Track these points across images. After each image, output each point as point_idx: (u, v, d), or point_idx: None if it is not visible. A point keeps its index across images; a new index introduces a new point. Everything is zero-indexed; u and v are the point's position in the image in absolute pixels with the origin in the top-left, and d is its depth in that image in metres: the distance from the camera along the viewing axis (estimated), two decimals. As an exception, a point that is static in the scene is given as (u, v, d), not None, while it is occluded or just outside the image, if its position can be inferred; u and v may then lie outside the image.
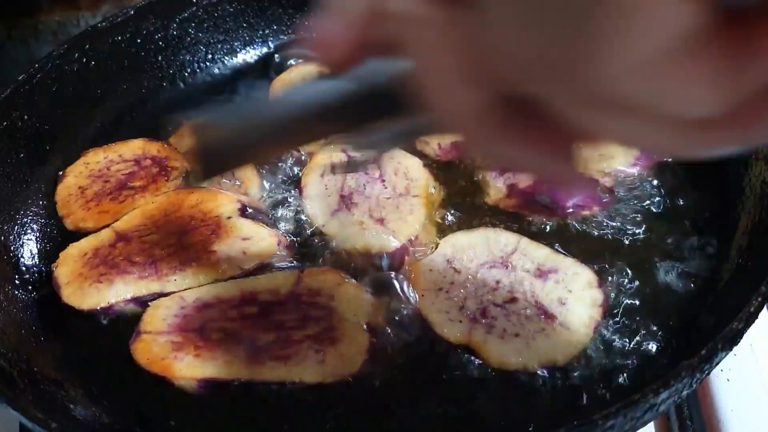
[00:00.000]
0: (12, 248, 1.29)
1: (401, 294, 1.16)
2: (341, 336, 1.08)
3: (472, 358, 1.07)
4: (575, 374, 1.05)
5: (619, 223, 1.25)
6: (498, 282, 1.14)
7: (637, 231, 1.24)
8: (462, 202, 1.30)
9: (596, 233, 1.24)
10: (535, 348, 1.05)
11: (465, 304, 1.12)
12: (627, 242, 1.22)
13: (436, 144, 1.38)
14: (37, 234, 1.34)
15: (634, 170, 1.31)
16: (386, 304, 1.14)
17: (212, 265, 1.19)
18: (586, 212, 1.24)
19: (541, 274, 1.15)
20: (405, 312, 1.13)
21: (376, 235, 1.22)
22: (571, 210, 1.24)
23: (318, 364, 1.05)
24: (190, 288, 1.17)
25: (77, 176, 1.40)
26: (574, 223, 1.24)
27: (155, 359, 1.07)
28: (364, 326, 1.09)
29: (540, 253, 1.18)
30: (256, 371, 1.05)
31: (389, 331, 1.11)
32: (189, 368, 1.05)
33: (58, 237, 1.34)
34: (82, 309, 1.17)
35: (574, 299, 1.12)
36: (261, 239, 1.22)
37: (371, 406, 1.04)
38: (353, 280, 1.16)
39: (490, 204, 1.29)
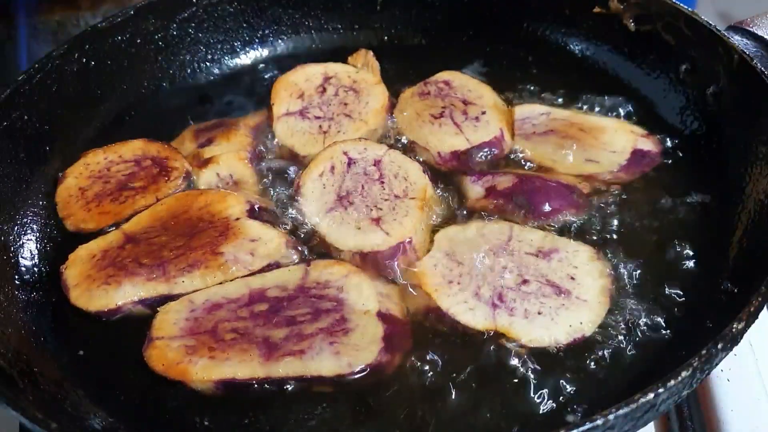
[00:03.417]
0: (12, 248, 1.29)
1: (413, 289, 1.17)
2: (354, 327, 1.09)
3: (502, 342, 1.09)
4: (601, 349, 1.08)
5: (606, 223, 1.26)
6: (504, 267, 1.16)
7: (632, 232, 1.25)
8: (443, 206, 1.31)
9: (586, 234, 1.25)
10: (561, 322, 1.09)
11: (479, 292, 1.13)
12: (618, 242, 1.23)
13: (436, 152, 1.39)
14: (37, 234, 1.34)
15: (621, 175, 1.33)
16: (397, 296, 1.16)
17: (220, 267, 1.19)
18: (561, 215, 1.26)
19: (543, 255, 1.18)
20: (423, 305, 1.14)
21: (370, 235, 1.22)
22: (547, 212, 1.26)
23: (334, 356, 1.05)
24: (197, 290, 1.17)
25: (77, 177, 1.40)
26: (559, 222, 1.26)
27: (171, 364, 1.07)
28: (376, 316, 1.10)
29: (535, 236, 1.21)
30: (273, 368, 1.05)
31: (409, 323, 1.13)
32: (205, 370, 1.05)
33: (59, 237, 1.34)
34: (89, 311, 1.17)
35: (582, 273, 1.15)
36: (269, 240, 1.22)
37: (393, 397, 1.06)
38: (360, 271, 1.17)
39: (469, 206, 1.30)
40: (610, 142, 1.38)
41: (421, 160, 1.39)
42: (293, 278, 1.16)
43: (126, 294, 1.17)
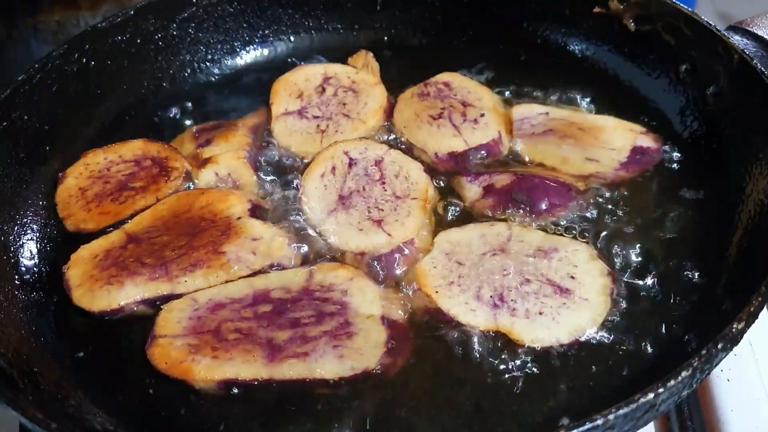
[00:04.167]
0: (12, 248, 1.29)
1: (414, 292, 1.17)
2: (357, 330, 1.09)
3: (503, 343, 1.09)
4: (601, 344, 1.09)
5: (606, 223, 1.26)
6: (505, 268, 1.16)
7: (632, 231, 1.25)
8: (442, 207, 1.31)
9: (586, 234, 1.25)
10: (562, 322, 1.09)
11: (480, 292, 1.14)
12: (617, 242, 1.23)
13: (433, 154, 1.39)
14: (37, 234, 1.34)
15: (621, 173, 1.33)
16: (400, 300, 1.16)
17: (222, 266, 1.19)
18: (561, 211, 1.26)
19: (543, 254, 1.18)
20: (425, 308, 1.14)
21: (372, 235, 1.22)
22: (547, 209, 1.26)
23: (337, 360, 1.05)
24: (200, 289, 1.17)
25: (77, 177, 1.40)
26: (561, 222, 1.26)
27: (174, 363, 1.07)
28: (380, 320, 1.10)
29: (534, 236, 1.21)
30: (276, 370, 1.05)
31: (410, 326, 1.13)
32: (208, 370, 1.05)
33: (59, 237, 1.34)
34: (92, 311, 1.17)
35: (583, 272, 1.15)
36: (271, 239, 1.22)
37: (397, 399, 1.06)
38: (365, 275, 1.17)
39: (468, 207, 1.30)
40: (609, 141, 1.38)
41: (420, 159, 1.39)
42: (297, 280, 1.16)
43: (128, 294, 1.17)
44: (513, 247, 1.19)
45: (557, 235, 1.22)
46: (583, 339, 1.09)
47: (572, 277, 1.14)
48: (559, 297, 1.12)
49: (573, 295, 1.12)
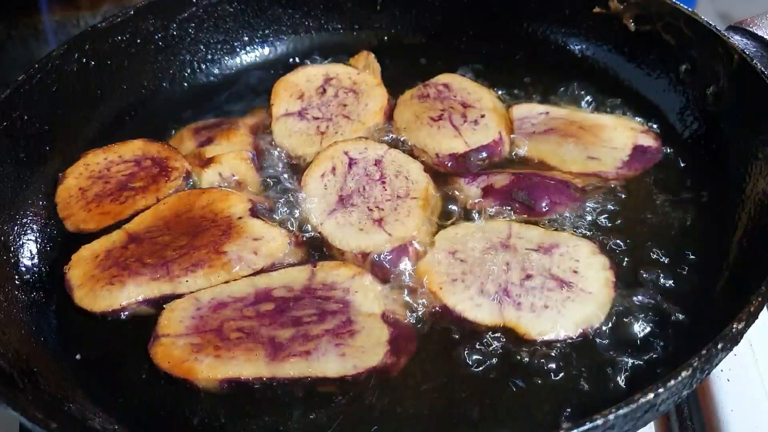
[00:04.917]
0: (12, 248, 1.29)
1: (416, 291, 1.17)
2: (360, 328, 1.09)
3: (506, 340, 1.09)
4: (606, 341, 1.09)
5: (607, 222, 1.26)
6: (507, 264, 1.17)
7: (632, 231, 1.25)
8: (442, 206, 1.32)
9: (587, 232, 1.25)
10: (568, 315, 1.10)
11: (484, 288, 1.14)
12: (618, 241, 1.23)
13: (434, 155, 1.39)
14: (37, 234, 1.34)
15: (624, 171, 1.33)
16: (403, 298, 1.16)
17: (224, 266, 1.19)
18: (561, 209, 1.26)
19: (545, 250, 1.18)
20: (428, 306, 1.15)
21: (372, 235, 1.22)
22: (546, 208, 1.26)
23: (339, 358, 1.05)
24: (202, 289, 1.17)
25: (77, 177, 1.39)
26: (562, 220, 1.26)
27: (177, 362, 1.07)
28: (382, 318, 1.10)
29: (534, 233, 1.22)
30: (278, 368, 1.05)
31: (414, 325, 1.13)
32: (211, 369, 1.05)
33: (59, 237, 1.34)
34: (94, 311, 1.17)
35: (585, 266, 1.15)
36: (272, 239, 1.22)
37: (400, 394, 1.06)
38: (367, 273, 1.17)
39: (468, 208, 1.30)
40: (610, 139, 1.38)
41: (420, 159, 1.39)
42: (299, 279, 1.16)
43: (130, 294, 1.17)
44: (514, 243, 1.20)
45: (556, 231, 1.23)
46: (587, 333, 1.09)
47: (575, 272, 1.14)
48: (562, 291, 1.12)
49: (576, 289, 1.12)
